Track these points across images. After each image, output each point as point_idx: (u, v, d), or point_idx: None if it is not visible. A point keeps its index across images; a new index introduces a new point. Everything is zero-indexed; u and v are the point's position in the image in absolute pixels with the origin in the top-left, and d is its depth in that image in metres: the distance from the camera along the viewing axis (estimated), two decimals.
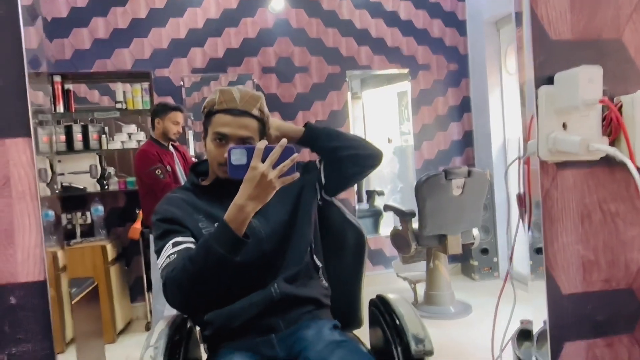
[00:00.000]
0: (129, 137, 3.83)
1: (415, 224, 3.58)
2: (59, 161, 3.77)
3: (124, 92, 3.82)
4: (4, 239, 0.78)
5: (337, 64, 4.38)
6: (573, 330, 0.91)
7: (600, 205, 0.91)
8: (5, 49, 0.77)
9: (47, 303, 0.78)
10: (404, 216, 3.64)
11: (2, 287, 0.78)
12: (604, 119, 0.88)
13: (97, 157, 3.84)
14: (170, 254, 1.27)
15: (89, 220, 3.77)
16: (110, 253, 3.56)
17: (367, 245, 1.69)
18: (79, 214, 3.76)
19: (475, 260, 4.39)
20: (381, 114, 5.00)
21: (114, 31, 3.96)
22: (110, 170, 3.87)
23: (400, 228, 3.69)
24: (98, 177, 3.77)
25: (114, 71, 3.93)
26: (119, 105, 3.81)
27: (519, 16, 0.89)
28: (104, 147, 3.77)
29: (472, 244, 3.76)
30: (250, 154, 1.17)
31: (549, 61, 0.87)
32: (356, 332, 1.66)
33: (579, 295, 0.91)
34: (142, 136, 3.84)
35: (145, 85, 3.84)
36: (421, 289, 3.86)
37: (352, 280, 1.67)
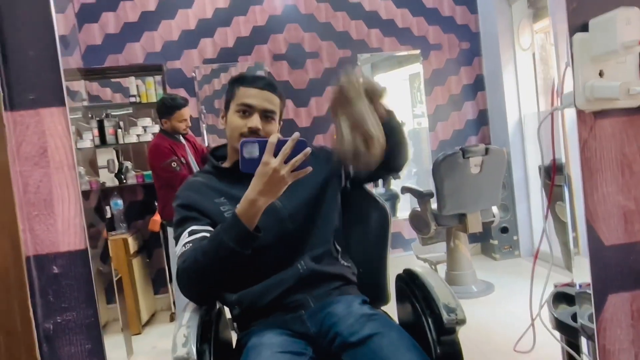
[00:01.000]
0: (144, 130, 3.84)
1: (434, 205, 3.56)
2: None
3: (137, 85, 3.83)
4: (44, 209, 0.78)
5: (347, 48, 4.35)
6: (616, 282, 0.89)
7: None
8: (36, 18, 0.76)
9: (90, 272, 0.79)
10: (422, 197, 3.62)
11: (45, 257, 0.78)
12: None
13: (114, 151, 3.86)
14: (186, 243, 1.28)
15: (109, 215, 3.80)
16: (132, 246, 3.58)
17: (391, 222, 1.68)
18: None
19: (495, 239, 4.37)
20: (393, 97, 4.96)
21: (124, 25, 3.97)
22: (128, 164, 3.89)
23: (419, 209, 3.67)
24: (116, 171, 3.80)
25: (126, 65, 3.94)
26: (132, 99, 3.82)
27: None
28: (120, 141, 3.79)
29: (492, 222, 3.73)
30: (262, 147, 1.15)
31: (582, 7, 0.85)
32: (383, 308, 1.66)
33: (622, 246, 0.89)
34: (157, 129, 3.85)
35: (158, 78, 3.85)
36: (442, 270, 3.84)
37: (377, 257, 1.66)
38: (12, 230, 0.76)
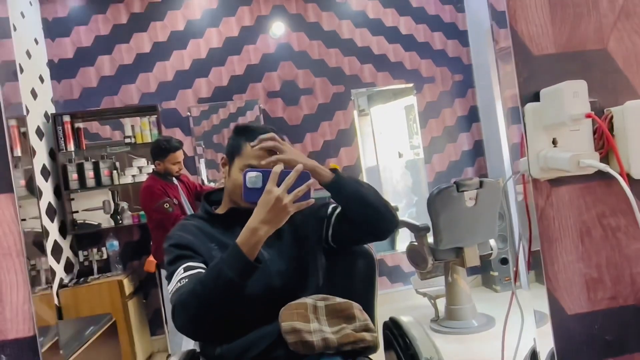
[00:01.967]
0: (140, 170, 3.87)
1: (430, 239, 3.54)
2: (72, 199, 3.81)
3: (132, 126, 3.87)
4: None
5: (341, 84, 4.39)
6: (582, 352, 0.87)
7: (600, 221, 0.88)
8: None
9: (39, 359, 0.78)
10: (418, 231, 3.59)
11: None
12: (595, 132, 0.85)
13: (110, 192, 3.88)
14: (182, 278, 1.26)
15: (104, 256, 3.80)
16: (127, 287, 3.57)
17: (377, 267, 1.67)
18: (94, 250, 3.79)
19: (495, 270, 4.31)
20: (390, 128, 4.98)
21: (119, 68, 4.04)
22: (124, 204, 3.90)
23: (416, 243, 3.64)
24: (112, 212, 3.81)
25: (121, 107, 3.99)
26: (128, 140, 3.86)
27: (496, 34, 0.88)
28: (116, 182, 3.81)
29: (490, 254, 3.69)
30: (266, 177, 1.16)
31: (533, 77, 0.85)
32: (373, 356, 1.64)
33: (585, 315, 0.87)
34: (152, 169, 3.88)
35: (153, 118, 3.89)
36: (442, 304, 3.79)
37: (365, 305, 1.64)
38: None
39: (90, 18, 4.00)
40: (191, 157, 4.13)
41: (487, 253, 3.65)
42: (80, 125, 3.83)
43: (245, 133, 1.42)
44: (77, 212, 3.82)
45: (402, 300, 4.12)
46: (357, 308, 1.40)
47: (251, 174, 1.20)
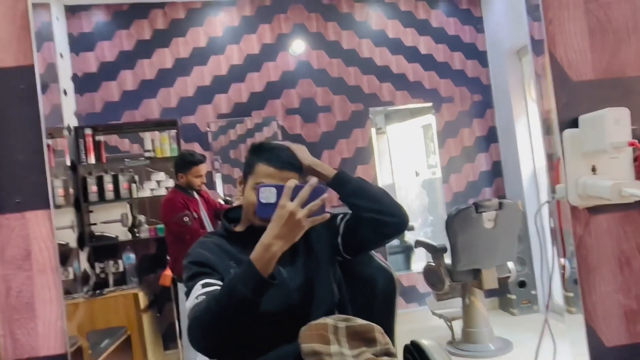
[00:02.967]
0: (158, 184, 3.89)
1: (447, 260, 3.49)
2: (91, 211, 3.84)
3: (152, 140, 3.90)
4: (25, 313, 0.78)
5: (359, 102, 4.40)
6: None
7: None
8: (25, 124, 0.78)
9: None
10: (435, 252, 3.56)
11: None
12: (635, 159, 0.84)
13: (128, 205, 3.91)
14: (199, 295, 1.24)
15: (121, 269, 3.80)
16: (142, 301, 3.56)
17: (398, 287, 1.64)
18: (111, 262, 3.80)
19: (512, 293, 4.24)
20: (407, 147, 4.97)
21: (141, 83, 4.09)
22: (141, 218, 3.92)
23: (433, 264, 3.60)
24: (129, 225, 3.83)
25: (142, 121, 4.03)
26: (148, 154, 3.89)
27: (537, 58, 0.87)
28: (134, 195, 3.83)
29: (508, 277, 3.64)
30: (279, 192, 1.14)
31: (572, 103, 0.84)
32: None
33: (624, 348, 0.85)
34: (170, 183, 3.89)
35: (173, 133, 3.92)
36: (458, 326, 3.73)
37: (384, 326, 1.62)
38: None
39: (115, 33, 4.07)
40: (209, 172, 4.15)
41: (505, 275, 3.60)
42: (101, 138, 3.87)
43: (259, 152, 1.43)
44: (95, 224, 3.85)
45: (417, 321, 4.07)
46: (378, 331, 1.38)
47: (264, 189, 1.18)
